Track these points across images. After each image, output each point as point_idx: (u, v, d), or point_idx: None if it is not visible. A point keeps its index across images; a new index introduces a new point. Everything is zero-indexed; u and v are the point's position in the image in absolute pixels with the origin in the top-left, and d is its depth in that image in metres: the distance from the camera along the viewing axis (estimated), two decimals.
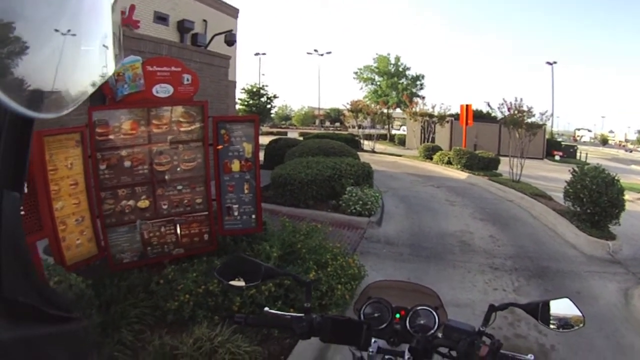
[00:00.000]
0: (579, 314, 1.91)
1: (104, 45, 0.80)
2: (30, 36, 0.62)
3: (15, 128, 0.74)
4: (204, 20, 20.30)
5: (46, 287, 0.79)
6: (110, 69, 0.83)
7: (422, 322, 1.97)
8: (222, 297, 4.87)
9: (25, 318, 0.74)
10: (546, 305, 1.92)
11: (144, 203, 5.50)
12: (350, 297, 5.49)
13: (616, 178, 9.95)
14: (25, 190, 2.58)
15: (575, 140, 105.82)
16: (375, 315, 2.02)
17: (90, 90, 0.78)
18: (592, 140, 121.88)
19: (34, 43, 0.62)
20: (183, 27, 18.61)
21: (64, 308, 0.84)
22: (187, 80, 5.60)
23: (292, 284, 5.02)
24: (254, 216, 6.06)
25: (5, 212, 0.72)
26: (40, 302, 0.78)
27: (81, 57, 0.75)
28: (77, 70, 0.75)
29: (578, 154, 42.71)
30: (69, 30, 0.69)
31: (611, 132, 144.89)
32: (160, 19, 17.81)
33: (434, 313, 1.98)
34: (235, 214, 5.99)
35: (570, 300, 1.94)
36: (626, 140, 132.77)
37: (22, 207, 2.70)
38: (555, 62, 61.81)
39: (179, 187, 5.67)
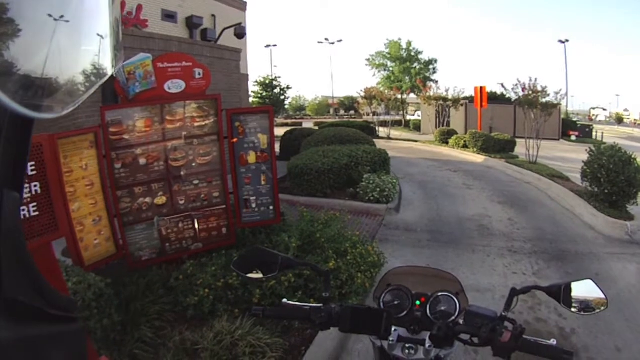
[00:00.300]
0: (602, 296, 1.87)
1: (104, 46, 0.79)
2: (30, 36, 0.61)
3: (15, 128, 0.73)
4: (213, 15, 20.31)
5: (46, 286, 0.78)
6: (111, 69, 0.82)
7: (442, 308, 1.95)
8: (242, 290, 4.89)
9: (25, 318, 0.74)
10: (568, 288, 1.88)
11: (160, 200, 5.51)
12: (370, 285, 5.49)
13: (633, 157, 9.83)
14: (39, 190, 2.60)
15: (591, 120, 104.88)
16: (395, 302, 2.00)
17: (91, 90, 0.77)
18: (607, 120, 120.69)
19: (34, 43, 0.62)
20: (192, 23, 18.65)
21: (64, 308, 0.84)
22: (199, 74, 5.59)
23: (312, 274, 5.01)
24: (272, 207, 6.05)
25: (5, 212, 0.72)
26: (40, 302, 0.78)
27: (81, 57, 0.75)
28: (78, 70, 0.74)
29: (594, 134, 42.21)
30: (69, 30, 0.68)
31: (626, 110, 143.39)
32: (168, 16, 17.87)
33: (455, 299, 1.95)
34: (253, 206, 5.98)
35: (593, 281, 1.90)
36: None
37: (35, 208, 2.72)
38: (567, 41, 61.13)
39: (196, 182, 5.67)
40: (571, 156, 21.22)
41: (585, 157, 10.61)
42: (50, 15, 0.64)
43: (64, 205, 4.34)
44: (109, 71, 0.81)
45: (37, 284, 0.78)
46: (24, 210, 2.93)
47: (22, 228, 0.76)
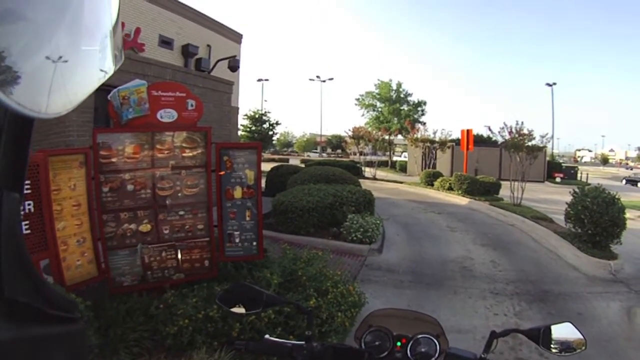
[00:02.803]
0: (581, 337, 1.90)
1: (103, 47, 0.81)
2: (30, 36, 0.62)
3: (16, 128, 0.74)
4: (208, 45, 20.46)
5: (46, 287, 0.79)
6: (110, 71, 0.83)
7: (423, 349, 1.96)
8: (222, 323, 4.84)
9: (25, 318, 0.75)
10: (548, 330, 1.91)
11: (145, 227, 5.49)
12: (350, 325, 5.46)
13: (616, 197, 10.00)
14: (32, 209, 2.60)
15: (576, 161, 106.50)
16: (376, 343, 2.01)
17: (90, 90, 0.78)
18: (592, 160, 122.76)
19: (34, 43, 0.63)
20: (187, 51, 18.75)
21: (64, 308, 0.85)
22: (192, 105, 5.63)
23: (292, 311, 5.00)
24: (255, 243, 6.03)
25: (5, 213, 0.72)
26: (40, 302, 0.78)
27: (81, 57, 0.76)
28: (77, 71, 0.75)
29: (579, 175, 42.93)
30: (69, 31, 0.70)
31: (611, 151, 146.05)
32: (165, 42, 17.98)
33: (435, 341, 1.97)
34: (237, 240, 5.97)
35: (572, 324, 1.93)
36: (626, 158, 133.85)
37: (27, 226, 2.72)
38: (554, 84, 61.78)
39: (181, 213, 5.65)
40: (555, 198, 21.54)
41: (569, 198, 10.77)
42: (51, 15, 0.65)
43: (50, 223, 4.33)
44: (109, 72, 0.82)
45: (37, 284, 0.79)
46: None
47: (22, 229, 0.77)
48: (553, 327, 1.92)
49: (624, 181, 45.13)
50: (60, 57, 0.68)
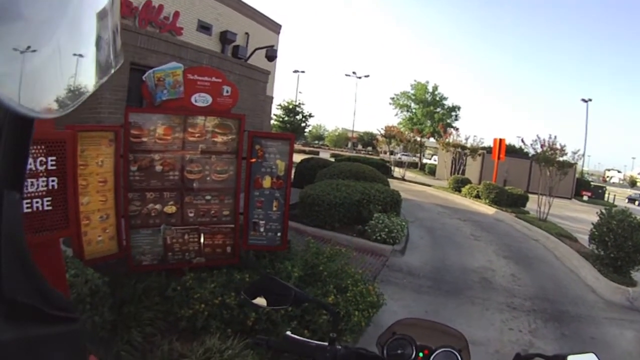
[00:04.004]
0: None
1: (103, 48, 0.80)
2: (30, 36, 0.61)
3: (16, 128, 0.74)
4: (246, 33, 20.59)
5: (46, 287, 0.77)
6: (110, 70, 0.82)
7: None
8: (238, 310, 4.84)
9: (25, 318, 0.74)
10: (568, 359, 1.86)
11: (170, 209, 5.52)
12: (365, 325, 5.44)
13: None
14: (56, 186, 2.60)
15: (605, 181, 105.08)
16: (399, 352, 1.97)
17: (90, 90, 0.77)
18: (621, 182, 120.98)
19: (34, 43, 0.62)
20: (225, 38, 18.89)
21: (64, 308, 0.83)
22: (227, 92, 5.63)
23: (310, 306, 4.96)
24: (279, 234, 6.04)
25: (5, 212, 0.72)
26: (40, 302, 0.77)
27: (81, 58, 0.74)
28: (77, 70, 0.74)
29: (606, 195, 42.29)
30: (68, 32, 0.69)
31: None
32: (204, 27, 18.14)
33: (458, 355, 1.93)
34: (261, 229, 5.98)
35: (596, 355, 1.87)
36: None
37: (49, 203, 2.72)
38: (590, 100, 60.27)
39: (208, 197, 5.67)
40: (581, 216, 21.19)
41: (595, 218, 10.57)
42: (50, 16, 0.64)
43: (75, 198, 4.36)
44: (109, 72, 0.81)
45: (37, 284, 0.78)
46: (37, 203, 2.93)
47: (23, 228, 0.76)
48: (575, 357, 1.86)
49: (626, 200, 44.95)
50: (60, 57, 0.68)
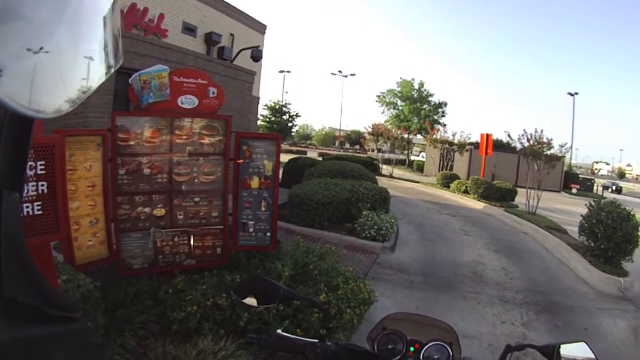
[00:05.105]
0: (594, 357, 1.86)
1: (102, 49, 0.80)
2: (30, 37, 0.61)
3: (15, 128, 0.74)
4: (232, 35, 20.57)
5: (46, 287, 0.78)
6: (109, 72, 0.82)
7: (436, 357, 1.93)
8: (230, 311, 4.85)
9: (25, 318, 0.74)
10: (561, 348, 1.88)
11: (160, 212, 5.51)
12: (358, 322, 5.45)
13: (632, 213, 9.88)
14: (46, 190, 2.60)
15: (593, 174, 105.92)
16: (390, 347, 1.98)
17: (91, 90, 0.77)
18: (609, 174, 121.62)
19: (34, 44, 0.62)
20: (211, 39, 18.88)
21: (64, 308, 0.84)
22: (213, 93, 5.63)
23: (302, 305, 4.98)
24: (269, 234, 6.05)
25: (5, 212, 0.72)
26: (40, 302, 0.78)
27: (80, 59, 0.75)
28: (76, 72, 0.74)
29: (595, 188, 42.60)
30: (68, 33, 0.69)
31: (629, 165, 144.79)
32: (189, 30, 18.12)
33: (449, 349, 1.95)
34: (251, 230, 5.99)
35: (587, 344, 1.89)
36: None
37: (40, 207, 2.72)
38: (577, 94, 60.43)
39: (197, 199, 5.68)
40: (570, 209, 21.49)
41: (584, 211, 10.67)
42: (50, 17, 0.65)
43: (64, 203, 4.35)
44: (109, 72, 0.81)
45: (37, 284, 0.78)
46: (28, 207, 2.93)
47: (23, 228, 0.77)
48: (567, 346, 1.88)
49: (601, 188, 45.64)
50: (60, 57, 0.68)
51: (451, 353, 1.94)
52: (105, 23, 0.78)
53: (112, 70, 0.82)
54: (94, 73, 0.77)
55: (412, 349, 1.97)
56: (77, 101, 0.74)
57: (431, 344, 1.96)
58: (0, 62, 0.58)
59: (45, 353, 0.76)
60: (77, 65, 0.74)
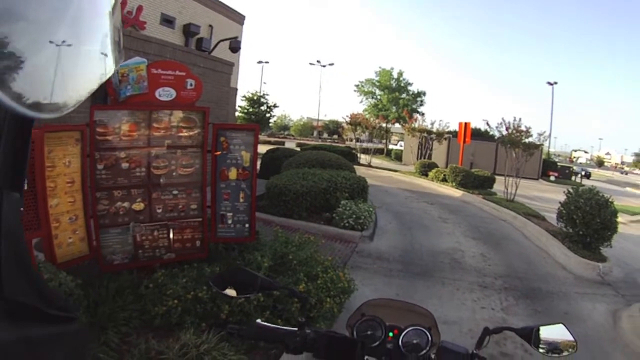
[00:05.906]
0: (572, 339, 1.90)
1: (103, 47, 0.81)
2: (31, 37, 0.62)
3: (15, 128, 0.75)
4: (210, 26, 20.38)
5: (46, 287, 0.80)
6: (110, 71, 0.84)
7: (415, 341, 1.96)
8: (211, 304, 4.87)
9: (25, 318, 0.75)
10: (539, 330, 1.93)
11: (138, 206, 5.50)
12: (338, 311, 5.49)
13: (610, 200, 10.04)
14: (25, 187, 2.59)
15: (572, 161, 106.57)
16: (368, 333, 2.01)
17: (90, 91, 0.79)
18: (588, 162, 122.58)
19: (34, 44, 0.63)
20: (189, 30, 18.67)
21: (64, 308, 0.85)
22: (191, 85, 5.61)
23: (281, 295, 5.01)
24: (247, 225, 6.06)
25: (5, 212, 0.73)
26: (40, 302, 0.79)
27: (81, 58, 0.76)
28: (77, 71, 0.75)
29: (573, 176, 43.01)
30: (69, 32, 0.69)
31: (607, 154, 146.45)
32: (167, 21, 17.90)
33: (427, 333, 1.98)
34: (229, 222, 5.99)
35: (565, 326, 1.93)
36: (622, 163, 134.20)
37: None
38: (555, 83, 60.68)
39: (175, 192, 5.67)
40: (548, 196, 21.78)
41: (562, 197, 10.82)
42: (51, 17, 0.66)
43: (44, 201, 4.32)
44: (109, 72, 0.83)
45: (37, 284, 0.79)
46: None
47: (23, 229, 0.77)
48: (545, 328, 1.92)
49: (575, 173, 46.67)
50: (61, 57, 0.68)
51: (430, 337, 1.97)
52: (106, 22, 0.80)
53: (113, 70, 0.84)
54: (95, 73, 0.79)
55: (390, 334, 2.00)
56: (77, 101, 0.75)
57: (410, 329, 1.99)
58: (0, 62, 0.59)
59: (45, 353, 0.78)
60: (78, 65, 0.75)
